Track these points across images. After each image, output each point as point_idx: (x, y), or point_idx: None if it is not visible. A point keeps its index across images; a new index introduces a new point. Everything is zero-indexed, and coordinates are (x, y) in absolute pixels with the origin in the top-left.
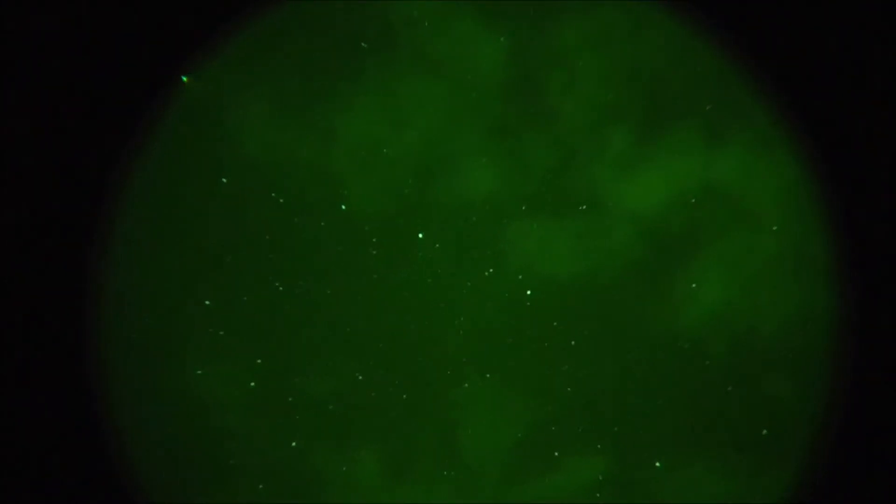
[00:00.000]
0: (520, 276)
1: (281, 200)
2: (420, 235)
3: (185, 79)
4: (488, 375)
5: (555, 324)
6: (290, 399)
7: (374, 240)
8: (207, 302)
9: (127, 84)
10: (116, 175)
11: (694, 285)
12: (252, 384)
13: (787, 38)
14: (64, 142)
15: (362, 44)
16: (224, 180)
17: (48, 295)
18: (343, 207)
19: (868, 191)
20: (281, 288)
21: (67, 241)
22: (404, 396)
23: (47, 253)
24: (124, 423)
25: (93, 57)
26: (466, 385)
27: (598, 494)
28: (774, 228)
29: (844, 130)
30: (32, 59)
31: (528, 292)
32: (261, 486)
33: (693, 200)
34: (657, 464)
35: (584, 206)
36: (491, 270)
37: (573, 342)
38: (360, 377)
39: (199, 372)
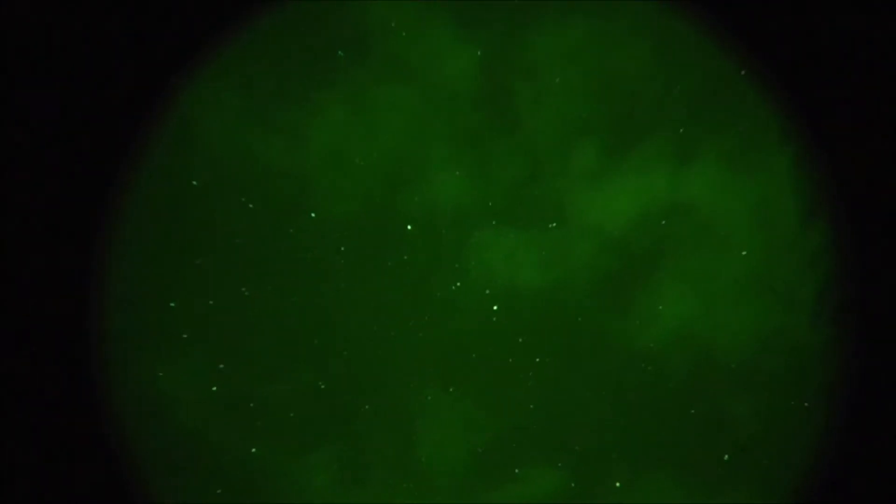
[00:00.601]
0: (487, 291)
1: (251, 206)
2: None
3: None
4: (451, 389)
5: (520, 340)
6: (251, 405)
7: (342, 248)
8: (172, 304)
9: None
10: (91, 175)
11: (660, 307)
12: (214, 388)
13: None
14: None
15: (339, 53)
16: (194, 183)
17: (15, 296)
18: (313, 215)
19: (870, 192)
20: (247, 293)
21: (37, 240)
22: (367, 407)
23: (16, 256)
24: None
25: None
26: (429, 397)
27: None
28: (742, 252)
29: (845, 132)
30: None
31: (495, 307)
32: (218, 491)
33: (662, 221)
34: (617, 484)
35: (554, 224)
36: (458, 284)
37: (538, 359)
38: (323, 385)
39: (161, 374)
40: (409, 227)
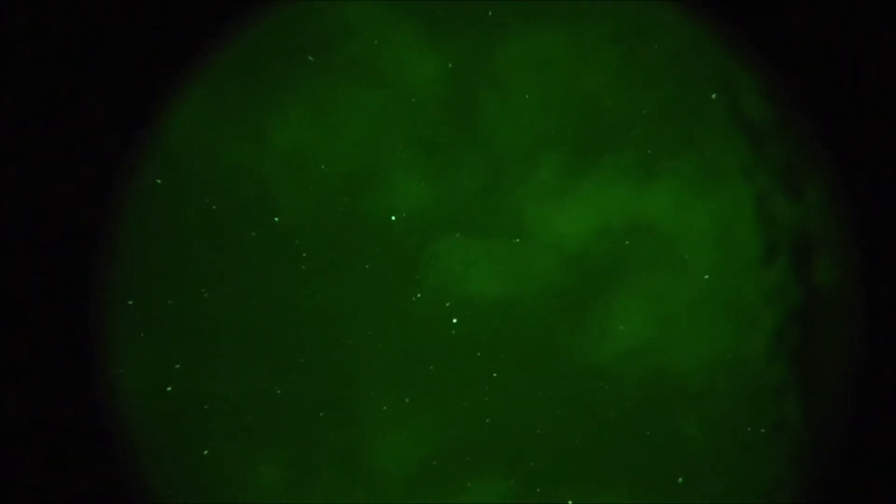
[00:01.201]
0: (447, 304)
1: (214, 207)
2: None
3: None
4: (408, 399)
5: (478, 354)
6: (206, 407)
7: (303, 254)
8: (130, 302)
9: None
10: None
11: (620, 327)
12: (169, 388)
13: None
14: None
15: (310, 58)
16: (158, 181)
17: None
18: (276, 220)
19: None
20: (206, 294)
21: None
22: (321, 414)
23: None
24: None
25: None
26: (385, 407)
27: None
28: (703, 275)
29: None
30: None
31: (455, 320)
32: (169, 492)
33: (623, 238)
34: (569, 502)
35: (515, 237)
36: (419, 295)
37: (495, 374)
38: (279, 391)
39: (116, 372)
40: (371, 236)
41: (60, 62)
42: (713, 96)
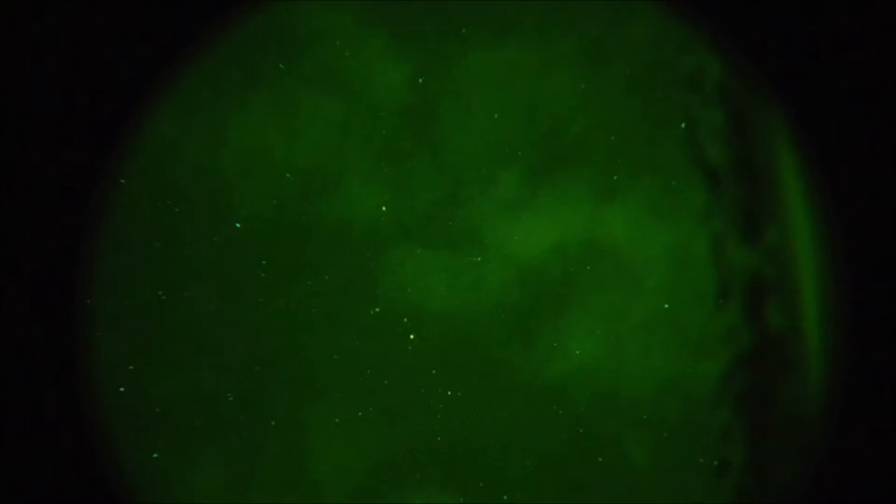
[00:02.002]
0: (405, 320)
1: (176, 210)
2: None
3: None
4: (360, 413)
5: (434, 371)
6: (157, 409)
7: (263, 262)
8: (88, 301)
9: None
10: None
11: (574, 348)
12: (122, 389)
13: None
14: None
15: (280, 65)
16: (122, 181)
17: None
18: (238, 226)
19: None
20: (164, 297)
21: None
22: (272, 423)
23: None
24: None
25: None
26: (337, 420)
27: None
28: (659, 299)
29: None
30: None
31: (412, 336)
32: (116, 493)
33: (577, 254)
34: None
35: (471, 252)
36: (378, 310)
37: (449, 392)
38: (231, 398)
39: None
40: (331, 247)
41: (28, 66)
42: (682, 126)
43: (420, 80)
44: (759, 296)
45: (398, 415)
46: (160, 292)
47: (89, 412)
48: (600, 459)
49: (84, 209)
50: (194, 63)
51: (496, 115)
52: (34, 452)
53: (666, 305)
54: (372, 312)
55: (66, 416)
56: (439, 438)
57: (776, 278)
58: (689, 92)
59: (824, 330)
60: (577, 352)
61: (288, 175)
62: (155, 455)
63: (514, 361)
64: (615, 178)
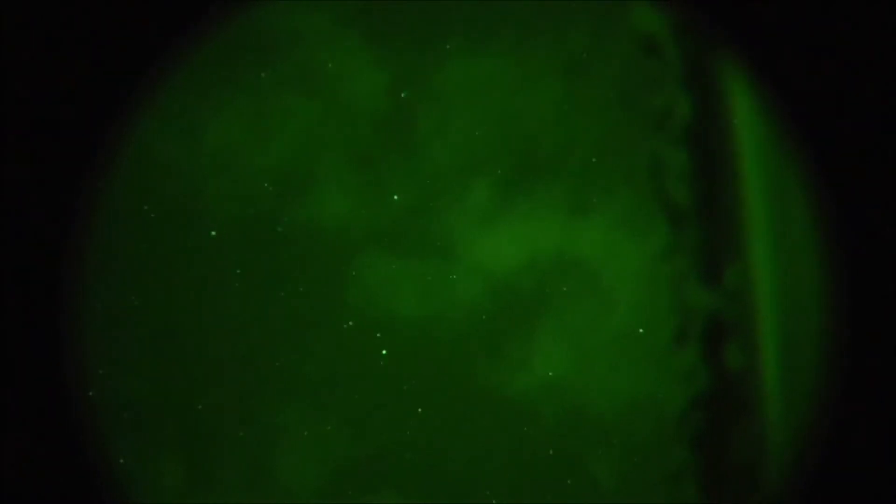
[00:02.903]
0: (378, 335)
1: (153, 215)
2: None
3: None
4: (329, 427)
5: (405, 387)
6: (125, 415)
7: (237, 271)
8: (61, 305)
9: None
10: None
11: (543, 363)
12: (91, 393)
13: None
14: None
15: (262, 74)
16: (98, 186)
17: None
18: (213, 234)
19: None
20: (136, 302)
21: None
22: (241, 434)
23: None
24: None
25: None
26: (306, 433)
27: None
28: (625, 317)
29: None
30: None
31: (384, 352)
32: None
33: (548, 267)
34: None
35: (455, 276)
36: (350, 323)
37: (420, 409)
38: (200, 406)
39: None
40: (306, 257)
41: (4, 72)
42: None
43: (390, 81)
44: (717, 337)
45: (368, 431)
46: (133, 297)
47: (60, 414)
48: (569, 482)
49: (60, 214)
50: (170, 67)
51: (473, 125)
52: (5, 453)
53: (641, 331)
54: (345, 326)
55: (36, 417)
56: (408, 455)
57: (735, 319)
58: (656, 130)
59: (782, 372)
60: (544, 364)
61: (266, 185)
62: (121, 460)
63: (481, 375)
64: (585, 188)
